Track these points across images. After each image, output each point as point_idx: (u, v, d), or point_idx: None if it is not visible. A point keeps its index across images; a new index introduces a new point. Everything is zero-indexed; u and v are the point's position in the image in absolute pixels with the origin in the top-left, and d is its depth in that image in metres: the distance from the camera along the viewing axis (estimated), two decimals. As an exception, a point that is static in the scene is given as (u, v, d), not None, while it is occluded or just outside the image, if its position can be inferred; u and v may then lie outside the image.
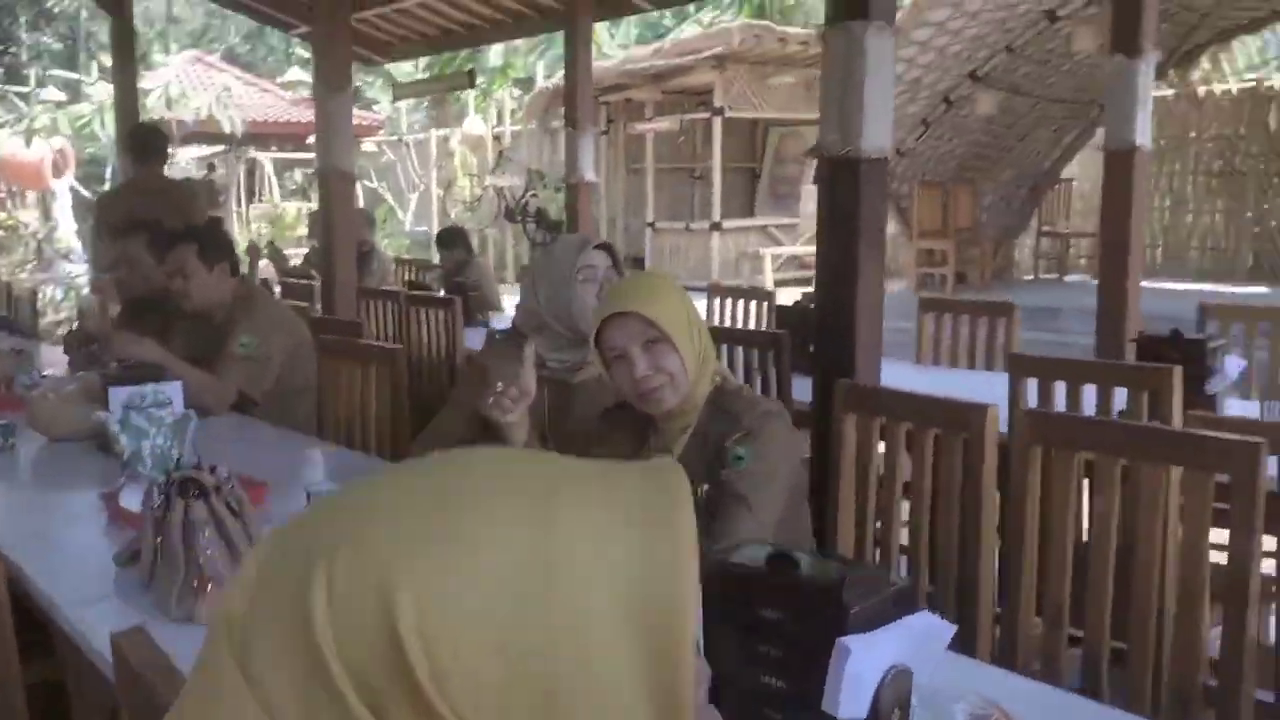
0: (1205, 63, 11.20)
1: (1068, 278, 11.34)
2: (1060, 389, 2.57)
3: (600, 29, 17.36)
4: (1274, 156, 10.70)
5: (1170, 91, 11.36)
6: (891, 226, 10.91)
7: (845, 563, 1.16)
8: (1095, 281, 11.38)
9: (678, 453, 1.94)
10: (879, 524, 2.10)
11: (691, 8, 16.47)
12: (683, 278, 11.75)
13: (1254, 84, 10.99)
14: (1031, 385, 2.64)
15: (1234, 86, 11.12)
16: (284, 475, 2.43)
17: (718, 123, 12.95)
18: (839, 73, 2.86)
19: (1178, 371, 2.31)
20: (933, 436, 1.98)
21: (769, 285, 12.06)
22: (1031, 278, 11.49)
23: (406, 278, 7.52)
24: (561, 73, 15.57)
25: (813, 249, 12.36)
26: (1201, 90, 11.19)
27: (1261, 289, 9.97)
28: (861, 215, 2.88)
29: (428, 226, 16.89)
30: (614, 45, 17.07)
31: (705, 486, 1.93)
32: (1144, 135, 3.73)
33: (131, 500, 2.10)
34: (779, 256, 12.95)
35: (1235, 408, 2.61)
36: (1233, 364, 2.64)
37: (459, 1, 7.61)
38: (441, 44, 8.96)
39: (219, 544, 1.69)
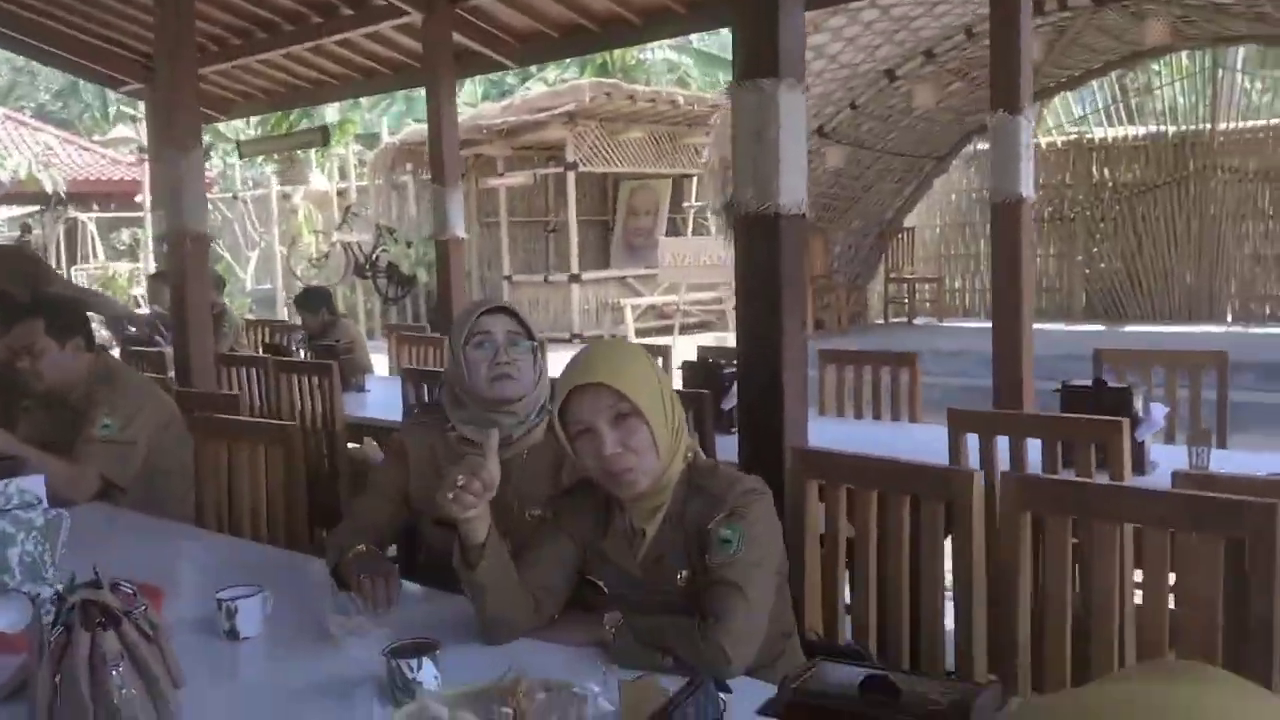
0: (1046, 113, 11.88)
1: (916, 320, 11.73)
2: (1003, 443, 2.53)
3: (446, 83, 17.11)
4: (1099, 204, 11.40)
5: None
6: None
7: (924, 675, 1.02)
8: (941, 323, 11.86)
9: (651, 535, 1.79)
10: (849, 599, 1.98)
11: (534, 66, 16.52)
12: (544, 329, 11.61)
13: (1077, 136, 11.71)
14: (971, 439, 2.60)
15: (1058, 139, 11.82)
16: (173, 574, 2.14)
17: (571, 177, 12.94)
18: (751, 129, 2.80)
19: (1126, 424, 2.30)
20: (907, 503, 1.88)
21: (631, 335, 12.05)
22: (882, 322, 11.84)
23: (263, 340, 7.09)
24: (408, 128, 15.41)
25: (671, 298, 12.52)
26: (1043, 142, 11.85)
27: (1097, 326, 10.56)
28: (783, 272, 2.81)
29: (270, 284, 16.20)
30: (460, 103, 16.90)
31: (684, 573, 1.78)
32: (1028, 186, 3.84)
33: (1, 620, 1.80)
34: (639, 306, 12.95)
35: (1162, 454, 2.63)
36: (1158, 411, 2.68)
37: (305, 58, 7.30)
38: (287, 101, 8.59)
39: (135, 679, 1.43)
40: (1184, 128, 10.96)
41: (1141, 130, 11.37)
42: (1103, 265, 11.49)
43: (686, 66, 18.58)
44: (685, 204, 13.99)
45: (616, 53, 15.99)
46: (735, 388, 3.05)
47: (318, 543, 2.91)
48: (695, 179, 13.46)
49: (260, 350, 6.43)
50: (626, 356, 1.81)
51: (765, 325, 2.83)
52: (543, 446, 2.16)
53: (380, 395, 5.06)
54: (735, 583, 1.65)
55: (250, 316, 11.11)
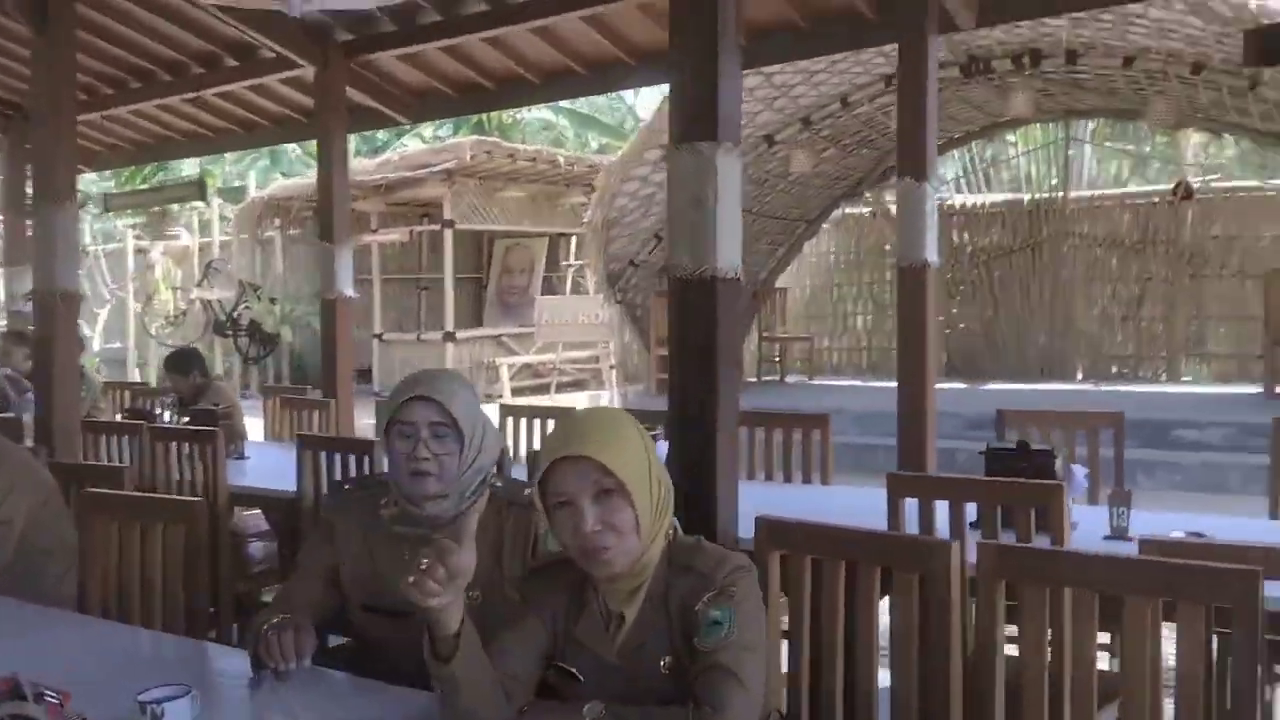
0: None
1: (788, 378, 11.94)
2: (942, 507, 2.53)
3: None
4: (958, 266, 11.91)
5: (868, 210, 12.46)
6: (628, 335, 11.10)
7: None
8: (812, 381, 12.05)
9: (631, 618, 1.69)
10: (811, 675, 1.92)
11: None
12: (415, 392, 11.32)
13: (938, 203, 12.22)
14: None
15: (921, 205, 12.32)
16: (75, 671, 1.91)
17: (449, 234, 12.75)
18: (688, 193, 2.77)
19: (1066, 487, 2.34)
20: (877, 574, 1.84)
21: (507, 395, 11.86)
22: (755, 380, 12.00)
23: (122, 404, 6.65)
24: (276, 183, 14.95)
25: (548, 357, 12.37)
26: (893, 209, 12.31)
27: (958, 385, 10.94)
28: (719, 337, 2.77)
29: (121, 343, 15.36)
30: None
31: (667, 659, 1.68)
32: (932, 252, 3.93)
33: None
34: (514, 365, 12.79)
35: (1081, 514, 2.67)
36: (1078, 471, 2.73)
37: (181, 109, 6.99)
38: (157, 153, 8.21)
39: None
40: (1037, 195, 11.59)
41: (999, 197, 11.97)
42: (962, 326, 11.97)
43: (562, 127, 18.69)
44: (564, 263, 13.96)
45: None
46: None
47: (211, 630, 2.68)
48: (574, 238, 13.47)
49: (120, 416, 6.03)
50: (616, 428, 1.70)
51: (699, 388, 2.78)
52: (481, 526, 2.03)
53: (261, 463, 4.79)
54: (729, 668, 1.56)
55: (102, 377, 10.47)
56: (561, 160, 12.84)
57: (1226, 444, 7.34)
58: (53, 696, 1.37)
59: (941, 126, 10.38)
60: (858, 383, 11.74)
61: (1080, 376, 11.17)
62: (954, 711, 1.74)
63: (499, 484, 2.16)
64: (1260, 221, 10.25)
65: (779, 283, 12.36)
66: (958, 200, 12.13)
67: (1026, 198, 11.66)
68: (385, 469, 2.20)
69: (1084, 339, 11.24)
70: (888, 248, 12.38)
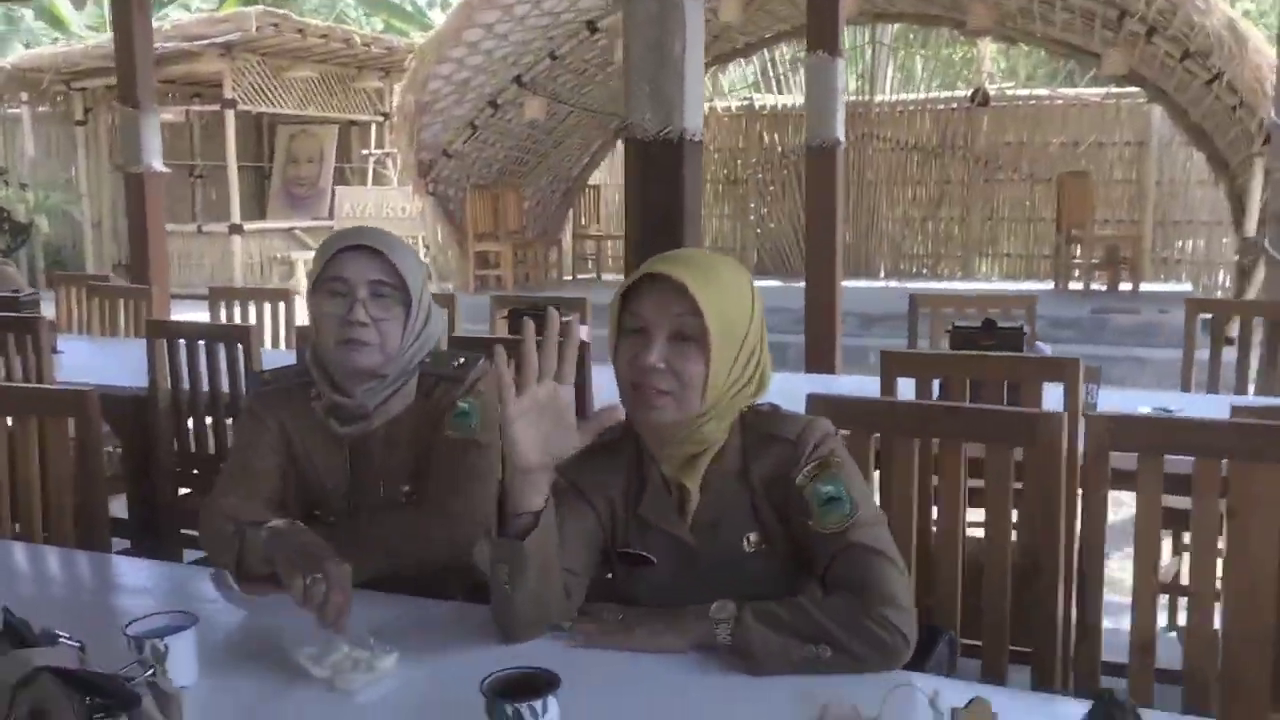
0: (708, 82, 12.25)
1: (605, 276, 11.77)
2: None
3: (64, 5, 14.82)
4: (768, 167, 12.00)
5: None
6: (441, 230, 10.53)
7: None
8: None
9: (695, 489, 1.47)
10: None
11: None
12: (197, 285, 10.36)
13: (748, 103, 12.23)
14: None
15: (732, 104, 12.29)
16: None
17: (230, 116, 11.62)
18: (650, 42, 2.47)
19: (1081, 361, 2.27)
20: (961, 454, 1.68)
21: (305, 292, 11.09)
22: (570, 278, 11.76)
23: None
24: (20, 53, 13.07)
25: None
26: (706, 107, 12.22)
27: (774, 282, 11.11)
28: (686, 204, 2.51)
29: None
30: (84, 26, 14.70)
31: (752, 536, 1.47)
32: (841, 131, 3.79)
33: None
34: (309, 261, 11.96)
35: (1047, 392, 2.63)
36: (1044, 349, 2.69)
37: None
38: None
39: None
40: (846, 99, 11.79)
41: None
42: (772, 225, 12.13)
43: (345, 5, 17.35)
44: (362, 151, 13.07)
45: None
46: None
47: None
48: (373, 126, 12.61)
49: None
50: (734, 278, 1.45)
51: None
52: (406, 413, 1.77)
53: (75, 360, 4.13)
54: (872, 546, 1.36)
55: None
56: (357, 40, 11.90)
57: (1040, 336, 7.77)
58: (71, 641, 1.00)
59: (761, 23, 10.35)
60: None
61: (883, 274, 11.60)
62: (1059, 593, 1.62)
63: (426, 360, 1.80)
64: (1050, 128, 10.84)
65: (591, 180, 12.08)
66: (767, 101, 12.15)
67: (835, 100, 11.83)
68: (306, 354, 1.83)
69: (887, 239, 11.65)
70: (711, 146, 12.33)
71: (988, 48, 10.94)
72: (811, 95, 3.82)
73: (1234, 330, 7.67)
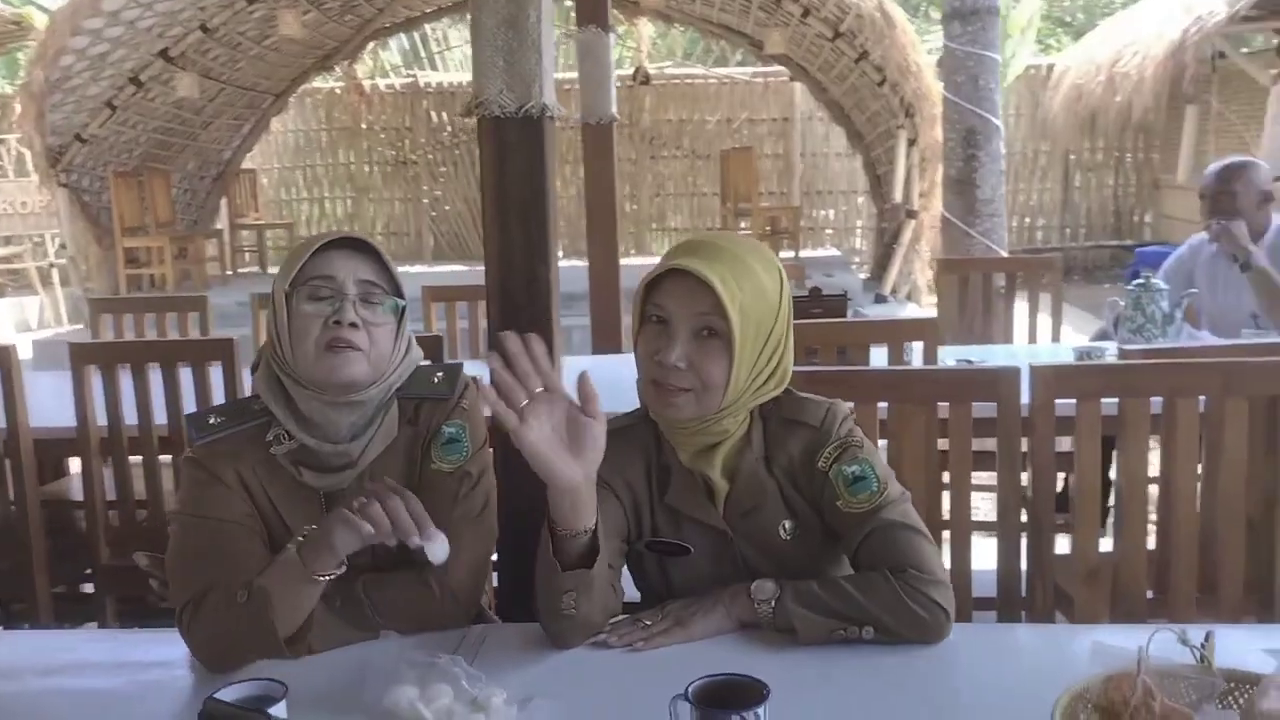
0: (368, 58, 11.76)
1: (272, 269, 11.00)
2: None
3: None
4: (439, 148, 11.77)
5: (338, 84, 11.72)
6: (79, 228, 9.27)
7: None
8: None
9: (727, 486, 1.47)
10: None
11: None
12: None
13: (413, 80, 11.89)
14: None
15: (396, 82, 11.89)
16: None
17: None
18: (501, 16, 2.30)
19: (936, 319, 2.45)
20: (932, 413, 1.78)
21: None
22: (231, 273, 10.87)
23: None
24: None
25: None
26: (368, 84, 11.74)
27: (456, 267, 10.95)
28: (548, 188, 2.39)
29: None
30: None
31: (788, 523, 1.47)
32: (615, 107, 3.79)
33: None
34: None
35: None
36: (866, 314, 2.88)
37: None
38: None
39: None
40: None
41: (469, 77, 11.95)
42: (447, 208, 11.93)
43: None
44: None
45: None
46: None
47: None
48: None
49: None
50: (761, 272, 1.41)
51: (527, 256, 2.37)
52: (390, 451, 1.52)
53: None
54: (904, 523, 1.40)
55: None
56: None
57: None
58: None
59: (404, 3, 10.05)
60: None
61: (561, 253, 11.77)
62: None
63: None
64: (706, 106, 11.50)
65: (245, 164, 11.21)
66: (433, 78, 11.88)
67: (500, 78, 11.78)
68: (257, 383, 1.51)
69: (561, 216, 11.83)
70: (364, 125, 11.83)
71: (646, 28, 11.37)
72: (584, 71, 3.78)
73: (887, 288, 8.53)
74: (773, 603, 1.36)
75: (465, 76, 12.00)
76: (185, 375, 2.53)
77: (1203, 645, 0.99)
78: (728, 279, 1.36)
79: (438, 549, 1.29)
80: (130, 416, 2.52)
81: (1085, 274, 10.93)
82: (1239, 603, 1.74)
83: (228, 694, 1.07)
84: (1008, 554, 1.76)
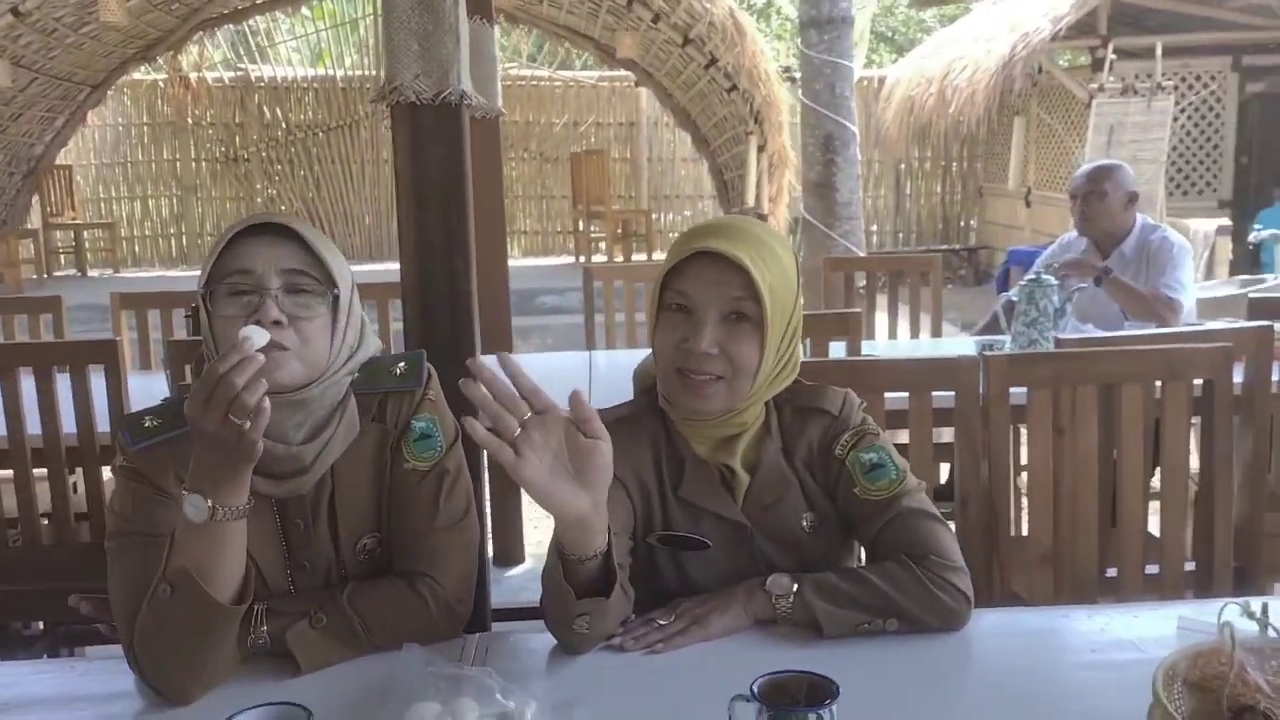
0: (193, 50, 11.13)
1: (92, 272, 10.28)
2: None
3: None
4: (272, 145, 11.26)
5: (161, 76, 11.06)
6: None
7: None
8: (121, 274, 10.66)
9: (747, 478, 1.43)
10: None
11: None
12: None
13: (243, 73, 11.33)
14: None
15: (225, 75, 11.30)
16: None
17: None
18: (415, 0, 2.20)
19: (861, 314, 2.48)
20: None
21: None
22: (45, 276, 10.09)
23: None
24: None
25: None
26: (194, 77, 11.12)
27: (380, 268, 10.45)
28: (466, 176, 2.28)
29: None
30: None
31: (809, 515, 1.44)
32: (500, 101, 3.67)
33: None
34: None
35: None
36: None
37: None
38: None
39: None
40: (350, 72, 11.39)
41: (312, 73, 11.50)
42: (282, 208, 11.42)
43: None
44: None
45: None
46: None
47: None
48: None
49: None
50: (781, 253, 1.39)
51: (448, 254, 2.23)
52: (354, 451, 1.38)
53: None
54: (922, 510, 1.39)
55: None
56: None
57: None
58: None
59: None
60: (178, 273, 10.55)
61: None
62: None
63: (357, 375, 1.41)
64: (553, 109, 11.43)
65: (60, 160, 10.43)
66: (265, 73, 11.35)
67: (340, 74, 11.40)
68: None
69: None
70: (190, 120, 11.20)
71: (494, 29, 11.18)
72: (475, 63, 3.64)
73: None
74: (790, 597, 1.32)
75: (300, 72, 11.54)
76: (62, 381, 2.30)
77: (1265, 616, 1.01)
78: (756, 260, 1.32)
79: (256, 336, 1.18)
80: (-3, 427, 2.27)
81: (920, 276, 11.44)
82: (1183, 578, 1.82)
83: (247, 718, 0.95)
84: (970, 542, 1.79)
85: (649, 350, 1.44)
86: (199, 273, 1.31)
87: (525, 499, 3.34)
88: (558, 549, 1.23)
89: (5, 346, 2.56)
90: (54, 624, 2.53)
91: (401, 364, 1.44)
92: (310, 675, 1.23)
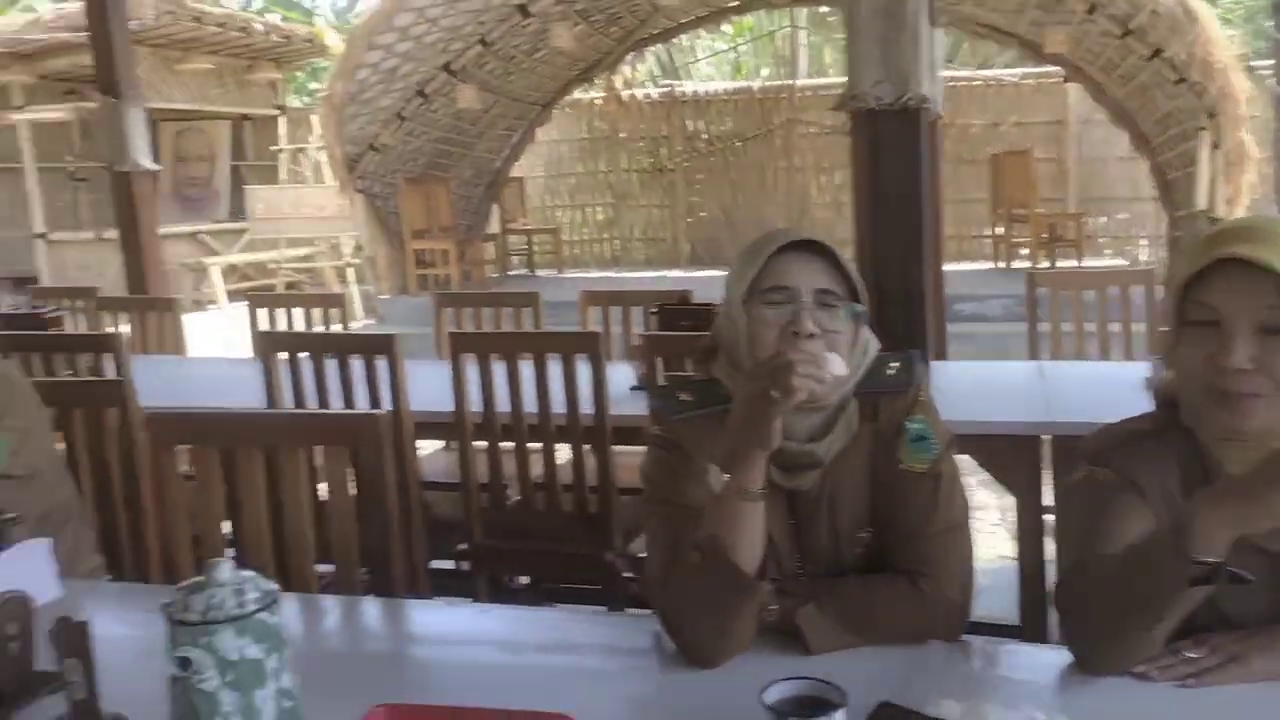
0: (626, 69, 12.05)
1: (539, 272, 11.46)
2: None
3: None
4: (695, 155, 11.91)
5: (597, 95, 12.08)
6: (373, 231, 9.96)
7: None
8: (563, 275, 11.66)
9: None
10: None
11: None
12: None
13: (669, 90, 12.10)
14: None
15: (654, 92, 12.13)
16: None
17: (125, 113, 10.77)
18: (877, 5, 2.28)
19: None
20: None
21: (223, 301, 10.42)
22: (503, 274, 11.39)
23: None
24: None
25: (264, 256, 10.98)
26: (625, 94, 12.03)
27: (712, 272, 11.02)
28: (923, 185, 2.34)
29: None
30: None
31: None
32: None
33: None
34: (226, 266, 11.21)
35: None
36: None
37: None
38: None
39: None
40: (766, 84, 11.79)
41: (730, 85, 12.05)
42: (703, 214, 12.05)
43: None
44: (274, 147, 12.33)
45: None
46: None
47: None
48: (280, 120, 11.90)
49: None
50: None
51: (901, 249, 2.32)
52: (853, 447, 1.45)
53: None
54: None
55: None
56: (260, 27, 11.21)
57: (1005, 314, 7.86)
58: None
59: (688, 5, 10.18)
60: (612, 274, 11.47)
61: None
62: None
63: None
64: (973, 109, 11.09)
65: (514, 172, 11.74)
66: (689, 89, 12.04)
67: (756, 86, 11.83)
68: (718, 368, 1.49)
69: (820, 223, 11.71)
70: (623, 135, 12.13)
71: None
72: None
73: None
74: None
75: (719, 85, 12.12)
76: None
77: None
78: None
79: (835, 364, 1.33)
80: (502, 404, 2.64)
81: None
82: None
83: (775, 694, 1.06)
84: None
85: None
86: (727, 275, 1.44)
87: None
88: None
89: (509, 335, 2.97)
90: (537, 579, 2.90)
91: (895, 363, 1.49)
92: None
